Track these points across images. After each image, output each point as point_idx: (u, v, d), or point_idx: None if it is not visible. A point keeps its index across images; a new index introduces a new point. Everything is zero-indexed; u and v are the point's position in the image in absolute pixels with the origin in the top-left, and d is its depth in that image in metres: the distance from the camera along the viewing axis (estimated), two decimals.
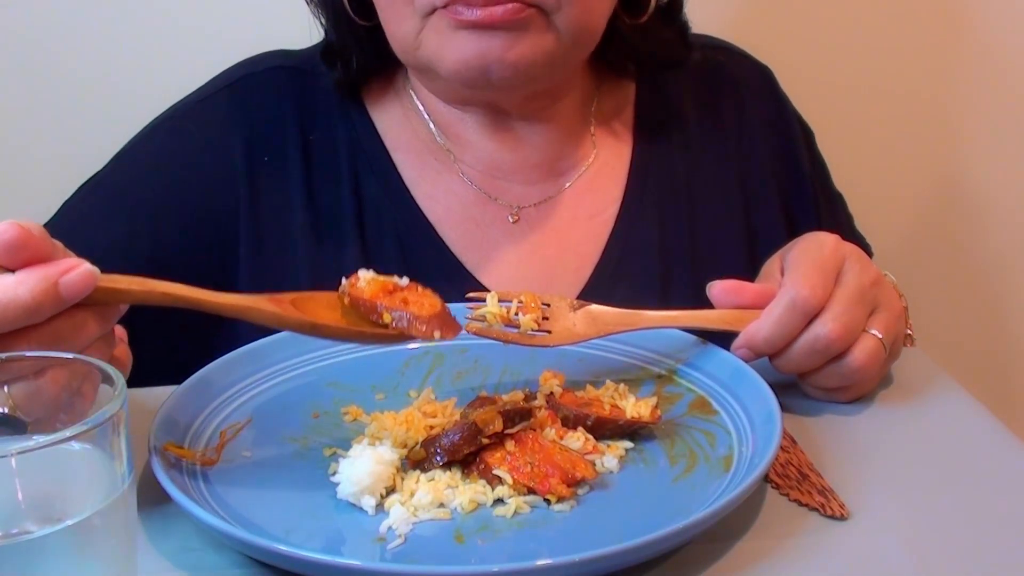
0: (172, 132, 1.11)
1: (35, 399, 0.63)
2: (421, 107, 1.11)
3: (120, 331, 0.76)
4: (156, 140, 1.11)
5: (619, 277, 1.07)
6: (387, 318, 0.78)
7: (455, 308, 0.91)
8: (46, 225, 1.06)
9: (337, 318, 0.78)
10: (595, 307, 0.90)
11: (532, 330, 0.88)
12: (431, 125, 1.11)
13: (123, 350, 0.76)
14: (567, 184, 1.11)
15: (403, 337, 0.79)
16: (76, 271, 0.67)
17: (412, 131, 1.11)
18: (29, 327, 0.67)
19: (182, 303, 0.74)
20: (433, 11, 0.96)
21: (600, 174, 1.12)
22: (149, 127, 1.12)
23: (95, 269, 0.69)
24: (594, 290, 1.05)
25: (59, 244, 0.70)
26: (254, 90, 1.12)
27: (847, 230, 1.20)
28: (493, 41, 0.95)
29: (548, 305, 0.89)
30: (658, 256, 1.10)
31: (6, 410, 0.63)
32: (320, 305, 0.79)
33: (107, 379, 0.60)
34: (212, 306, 0.75)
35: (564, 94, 1.10)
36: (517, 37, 0.95)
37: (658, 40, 1.11)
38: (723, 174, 1.15)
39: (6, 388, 0.63)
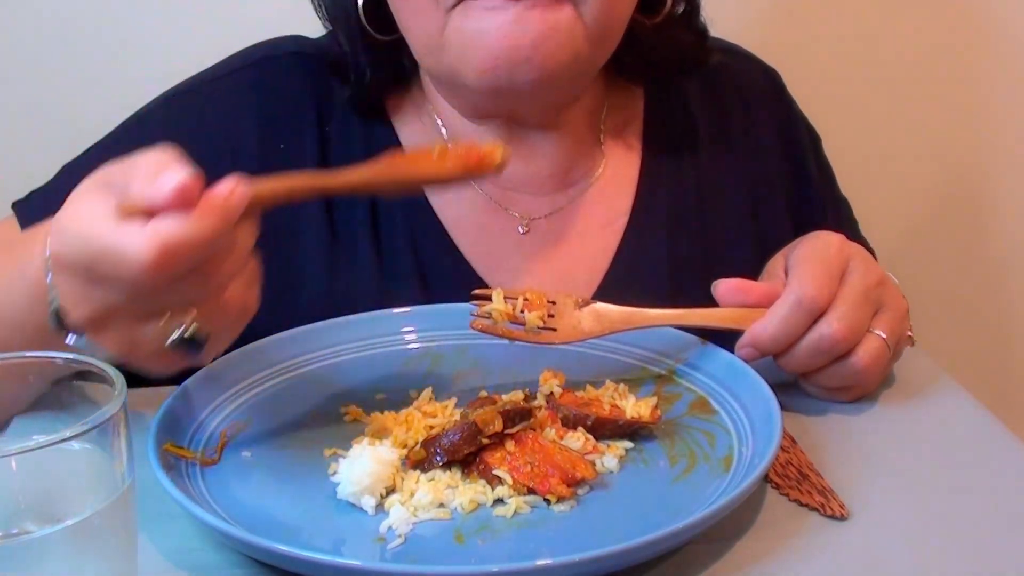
0: (186, 106, 1.09)
1: (218, 316, 0.70)
2: (437, 119, 1.10)
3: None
4: (169, 111, 1.10)
5: (629, 288, 1.06)
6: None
7: (460, 306, 0.91)
8: (47, 184, 1.06)
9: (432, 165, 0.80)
10: (601, 305, 0.90)
11: (538, 327, 0.88)
12: (443, 132, 1.10)
13: (255, 293, 0.77)
14: (576, 195, 1.11)
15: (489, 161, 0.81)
16: (236, 193, 0.70)
17: (427, 137, 1.10)
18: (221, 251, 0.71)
19: (318, 191, 0.77)
20: (458, 2, 0.94)
21: (610, 184, 1.12)
22: (163, 98, 1.11)
23: (242, 180, 0.71)
24: (604, 301, 1.05)
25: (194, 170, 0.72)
26: (273, 73, 1.10)
27: (851, 235, 1.19)
28: (527, 25, 0.92)
29: (554, 303, 0.89)
30: (667, 266, 1.09)
31: (188, 331, 0.69)
32: (419, 158, 0.81)
33: (107, 379, 0.60)
34: (342, 186, 0.78)
35: (578, 99, 1.10)
36: (551, 30, 0.92)
37: (677, 43, 1.10)
38: (731, 179, 1.15)
39: (186, 314, 0.69)
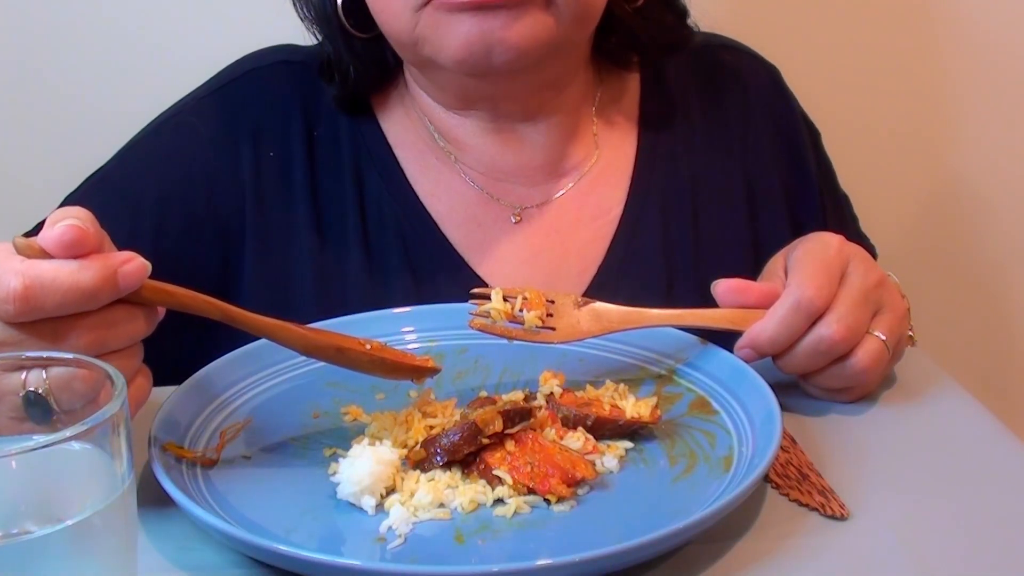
0: (178, 128, 1.11)
1: (70, 387, 0.66)
2: (420, 112, 1.11)
3: (147, 370, 0.77)
4: (162, 135, 1.11)
5: (623, 279, 1.07)
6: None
7: (459, 306, 0.91)
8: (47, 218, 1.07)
9: (359, 345, 0.82)
10: (600, 304, 0.89)
11: (537, 327, 0.88)
12: (430, 128, 1.11)
13: (145, 383, 0.76)
14: (570, 185, 1.11)
15: (424, 371, 0.83)
16: (133, 263, 0.71)
17: (413, 130, 1.11)
18: (84, 313, 0.70)
19: (219, 314, 0.77)
20: (426, 3, 0.95)
21: (604, 174, 1.12)
22: (155, 122, 1.12)
23: (148, 263, 0.72)
24: (598, 292, 1.05)
25: (106, 235, 0.73)
26: (259, 85, 1.12)
27: (852, 232, 1.20)
28: (494, 22, 0.94)
29: (553, 302, 0.89)
30: (662, 258, 1.10)
31: (41, 391, 0.66)
32: (343, 336, 0.83)
33: (107, 379, 0.60)
34: (244, 321, 0.78)
35: (566, 85, 1.09)
36: (516, 16, 0.94)
37: (659, 24, 1.11)
38: (728, 174, 1.15)
39: (44, 372, 0.65)
